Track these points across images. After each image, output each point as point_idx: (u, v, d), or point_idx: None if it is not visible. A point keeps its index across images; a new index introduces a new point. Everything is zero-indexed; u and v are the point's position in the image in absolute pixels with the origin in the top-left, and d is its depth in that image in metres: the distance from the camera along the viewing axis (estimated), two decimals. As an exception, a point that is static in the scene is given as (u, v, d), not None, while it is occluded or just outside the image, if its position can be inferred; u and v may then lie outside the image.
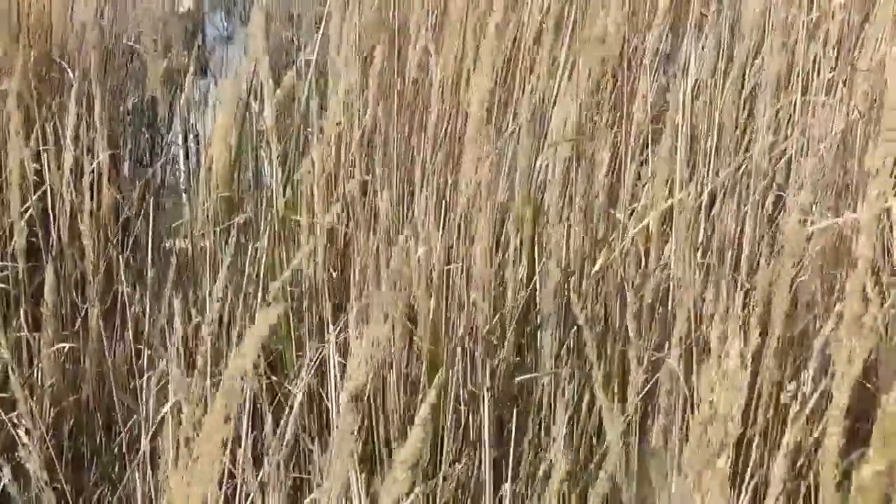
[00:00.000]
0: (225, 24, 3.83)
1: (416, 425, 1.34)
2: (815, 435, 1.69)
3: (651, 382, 1.77)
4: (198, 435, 1.25)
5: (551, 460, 1.69)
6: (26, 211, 2.20)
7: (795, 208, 1.67)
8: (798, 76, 2.23)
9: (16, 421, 1.72)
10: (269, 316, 1.22)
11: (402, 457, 1.32)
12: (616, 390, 1.84)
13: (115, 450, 2.28)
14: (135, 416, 2.24)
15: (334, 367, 1.82)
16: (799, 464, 1.70)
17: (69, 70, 2.70)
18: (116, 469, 2.29)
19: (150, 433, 2.07)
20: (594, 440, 1.92)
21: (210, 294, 2.14)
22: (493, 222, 1.93)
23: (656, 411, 1.72)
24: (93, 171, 2.22)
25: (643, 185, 2.13)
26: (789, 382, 1.63)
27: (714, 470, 1.43)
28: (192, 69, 2.83)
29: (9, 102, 2.16)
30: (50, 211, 2.26)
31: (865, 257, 1.41)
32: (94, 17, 2.93)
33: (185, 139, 2.96)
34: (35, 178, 2.27)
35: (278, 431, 1.72)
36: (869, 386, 1.75)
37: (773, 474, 1.46)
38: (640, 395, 1.66)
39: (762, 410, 1.54)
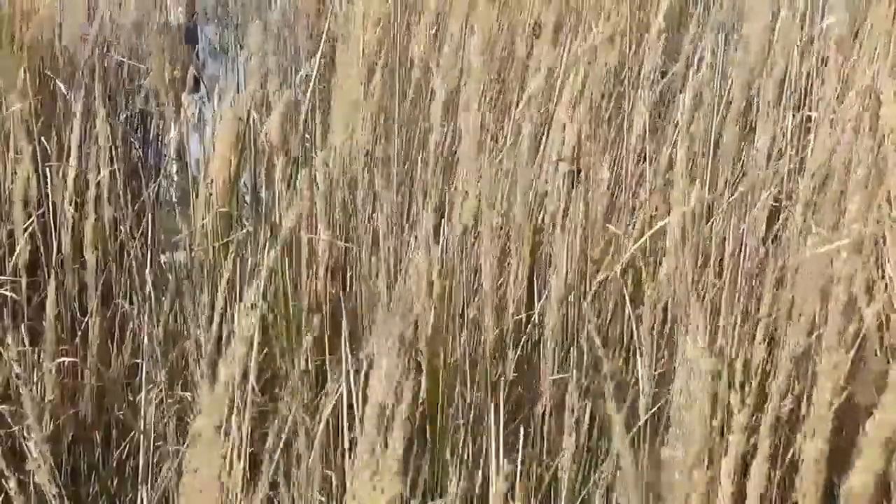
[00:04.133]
0: (218, 36, 3.84)
1: (395, 427, 1.35)
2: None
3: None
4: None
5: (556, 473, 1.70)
6: (29, 226, 2.21)
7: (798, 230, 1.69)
8: (791, 94, 2.27)
9: (26, 434, 1.72)
10: (250, 316, 1.23)
11: (386, 463, 1.33)
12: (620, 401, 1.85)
13: (114, 464, 2.29)
14: (133, 431, 2.24)
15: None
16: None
17: (64, 87, 2.70)
18: (115, 483, 2.29)
19: (149, 447, 2.07)
20: (597, 454, 1.94)
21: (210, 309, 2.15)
22: (496, 239, 1.94)
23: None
24: (96, 186, 2.23)
25: (641, 204, 2.16)
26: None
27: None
28: (187, 84, 2.84)
29: (12, 119, 2.16)
30: (51, 225, 2.26)
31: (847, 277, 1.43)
32: (85, 32, 2.95)
33: (181, 154, 2.97)
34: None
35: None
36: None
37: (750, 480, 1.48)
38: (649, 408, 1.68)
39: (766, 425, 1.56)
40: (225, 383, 1.28)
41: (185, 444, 1.94)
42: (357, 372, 1.84)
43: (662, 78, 2.41)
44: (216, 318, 2.12)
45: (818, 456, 1.41)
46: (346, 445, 1.73)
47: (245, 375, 1.86)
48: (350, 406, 1.77)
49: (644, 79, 2.26)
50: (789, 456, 1.70)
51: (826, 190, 1.93)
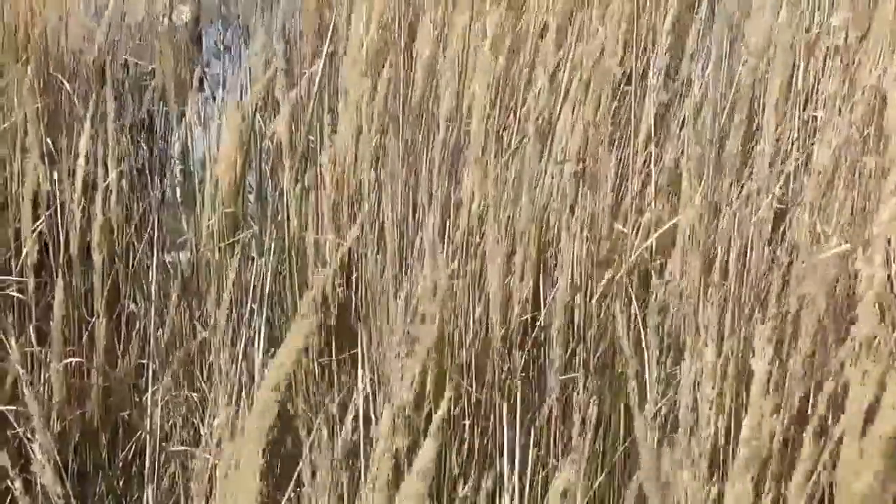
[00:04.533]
0: (222, 36, 3.83)
1: (430, 436, 1.35)
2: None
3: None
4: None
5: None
6: (37, 227, 2.21)
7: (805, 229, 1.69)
8: (798, 93, 2.27)
9: (30, 436, 1.73)
10: (302, 327, 1.23)
11: (417, 467, 1.33)
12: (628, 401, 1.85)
13: (120, 464, 2.30)
14: (140, 431, 2.25)
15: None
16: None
17: (69, 89, 2.71)
18: (121, 483, 2.30)
19: (155, 448, 2.08)
20: (602, 455, 1.94)
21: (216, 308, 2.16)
22: (503, 240, 1.95)
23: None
24: (105, 187, 2.23)
25: (648, 203, 2.16)
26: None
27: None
28: (192, 84, 2.85)
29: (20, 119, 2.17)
30: (59, 226, 2.27)
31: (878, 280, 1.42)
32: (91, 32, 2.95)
33: (186, 154, 2.97)
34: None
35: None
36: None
37: (789, 493, 1.48)
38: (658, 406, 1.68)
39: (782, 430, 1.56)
40: (272, 387, 1.27)
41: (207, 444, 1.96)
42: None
43: (666, 76, 2.40)
44: (222, 319, 2.13)
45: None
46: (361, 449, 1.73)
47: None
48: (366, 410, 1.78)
49: (651, 79, 2.26)
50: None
51: (832, 190, 1.93)
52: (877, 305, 1.37)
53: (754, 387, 1.35)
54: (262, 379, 1.34)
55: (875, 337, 1.38)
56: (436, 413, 1.32)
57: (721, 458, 1.59)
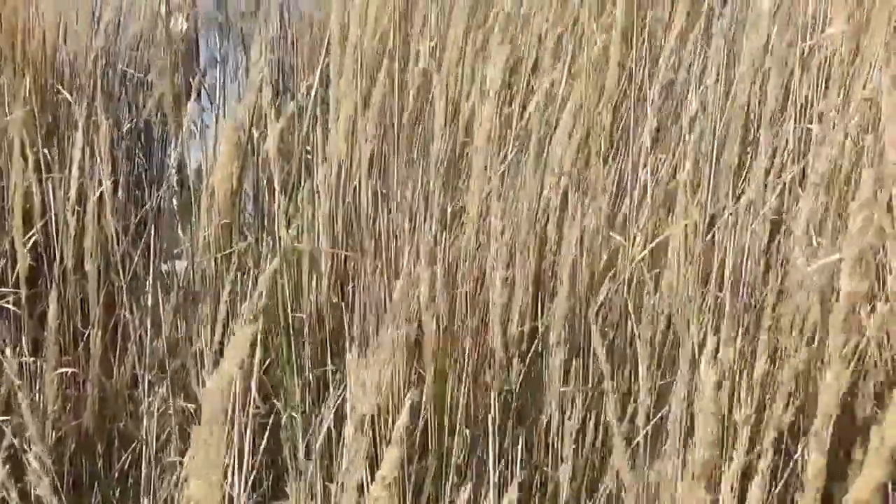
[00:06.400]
0: (219, 46, 3.84)
1: (392, 444, 1.35)
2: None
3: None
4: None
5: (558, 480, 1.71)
6: (31, 237, 2.21)
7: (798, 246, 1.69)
8: (793, 105, 2.27)
9: (25, 447, 1.73)
10: (247, 331, 1.23)
11: (382, 474, 1.33)
12: (621, 413, 1.85)
13: (116, 474, 2.29)
14: (135, 441, 2.25)
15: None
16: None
17: (70, 98, 2.71)
18: (117, 493, 2.29)
19: (151, 458, 2.08)
20: (598, 464, 1.94)
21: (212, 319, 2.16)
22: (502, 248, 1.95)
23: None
24: (98, 197, 2.23)
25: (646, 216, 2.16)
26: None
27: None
28: (191, 94, 2.85)
29: (13, 130, 2.17)
30: (53, 236, 2.27)
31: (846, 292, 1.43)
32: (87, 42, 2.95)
33: (182, 164, 2.97)
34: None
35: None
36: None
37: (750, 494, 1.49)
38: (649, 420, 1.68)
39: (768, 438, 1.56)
40: (226, 381, 1.27)
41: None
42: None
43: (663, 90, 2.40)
44: (218, 329, 2.13)
45: (818, 469, 1.41)
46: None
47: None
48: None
49: (649, 89, 2.26)
50: (790, 467, 1.71)
51: (827, 202, 1.93)
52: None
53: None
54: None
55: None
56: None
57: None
